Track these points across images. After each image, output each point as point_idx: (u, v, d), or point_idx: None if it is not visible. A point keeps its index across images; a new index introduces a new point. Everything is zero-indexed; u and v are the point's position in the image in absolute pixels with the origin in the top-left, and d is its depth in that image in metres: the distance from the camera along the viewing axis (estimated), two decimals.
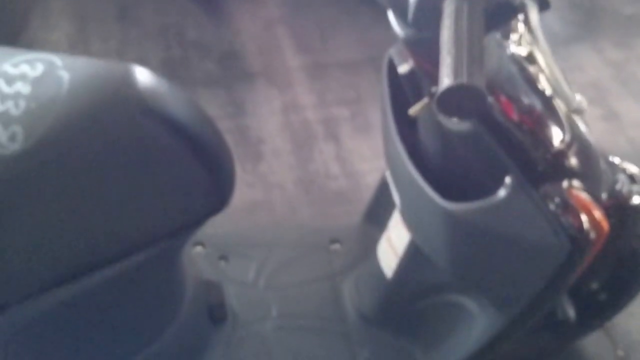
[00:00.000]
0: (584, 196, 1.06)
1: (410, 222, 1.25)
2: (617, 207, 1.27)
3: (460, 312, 1.28)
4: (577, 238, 1.02)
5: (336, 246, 1.59)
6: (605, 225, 1.07)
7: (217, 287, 1.37)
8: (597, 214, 1.05)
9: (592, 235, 1.05)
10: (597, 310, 1.62)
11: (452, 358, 1.28)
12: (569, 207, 1.03)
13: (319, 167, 2.28)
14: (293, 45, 2.73)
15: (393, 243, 1.36)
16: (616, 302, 1.60)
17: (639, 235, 1.40)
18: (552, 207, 1.02)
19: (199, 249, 1.51)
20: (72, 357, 1.08)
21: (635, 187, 1.33)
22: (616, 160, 1.35)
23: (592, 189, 1.10)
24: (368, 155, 2.33)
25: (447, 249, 1.16)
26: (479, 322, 1.22)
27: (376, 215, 1.58)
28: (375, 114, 2.51)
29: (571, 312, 1.51)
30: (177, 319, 1.21)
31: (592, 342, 1.76)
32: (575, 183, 1.06)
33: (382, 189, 1.56)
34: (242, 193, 2.22)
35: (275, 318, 1.41)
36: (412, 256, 1.30)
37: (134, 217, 1.00)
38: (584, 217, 1.03)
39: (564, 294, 1.48)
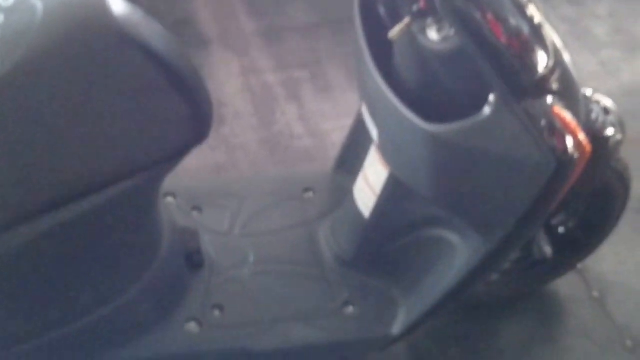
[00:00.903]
0: (568, 116, 1.07)
1: (389, 154, 1.24)
2: (592, 137, 1.29)
3: (440, 247, 1.28)
4: (562, 156, 1.02)
5: (309, 194, 1.57)
6: (588, 146, 1.08)
7: (193, 233, 1.33)
8: (581, 135, 1.06)
9: (576, 155, 1.06)
10: (572, 249, 1.65)
11: (433, 295, 1.28)
12: (554, 126, 1.03)
13: (283, 128, 2.24)
14: (247, 11, 2.68)
15: (370, 181, 1.35)
16: (591, 239, 1.63)
17: (612, 168, 1.43)
18: (536, 125, 1.01)
19: (170, 199, 1.46)
20: (48, 295, 1.03)
21: (609, 118, 1.36)
22: (589, 91, 1.38)
23: (575, 112, 1.11)
24: (331, 114, 2.31)
25: (430, 176, 1.15)
26: (460, 254, 1.22)
27: (349, 162, 1.57)
28: (335, 75, 2.50)
29: (548, 250, 1.53)
30: (155, 263, 1.16)
31: (567, 284, 1.78)
32: (559, 103, 1.07)
33: (354, 135, 1.55)
34: (206, 156, 2.17)
35: (252, 264, 1.38)
36: (391, 192, 1.29)
37: (113, 145, 0.95)
38: (568, 137, 1.04)
39: (541, 228, 1.50)
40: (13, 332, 1.03)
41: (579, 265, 1.77)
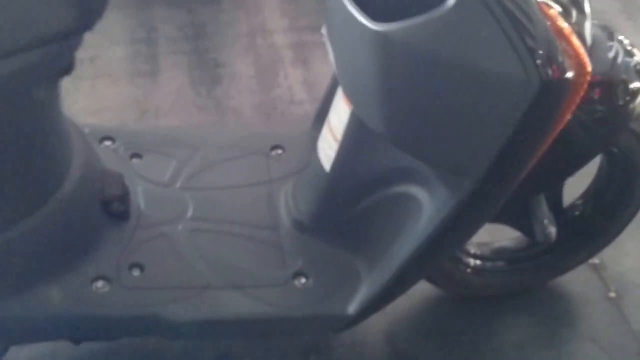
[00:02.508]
0: (564, 25, 0.81)
1: (345, 81, 1.00)
2: (606, 80, 1.02)
3: (406, 206, 1.03)
4: (550, 71, 0.76)
5: (278, 152, 1.34)
6: (587, 65, 0.81)
7: (116, 177, 1.13)
8: (578, 46, 0.80)
9: (570, 74, 0.79)
10: (586, 236, 1.38)
11: (395, 263, 1.04)
12: (542, 31, 0.77)
13: (283, 93, 2.03)
14: None
15: (332, 126, 1.11)
16: (607, 225, 1.35)
17: (632, 130, 1.15)
18: (518, 26, 0.75)
19: (107, 143, 1.27)
20: None
21: (633, 62, 1.08)
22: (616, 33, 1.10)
23: (577, 27, 0.85)
24: None
25: (385, 103, 0.91)
26: (426, 212, 0.97)
27: (325, 117, 1.34)
28: None
29: (552, 232, 1.26)
30: (60, 193, 0.96)
31: (581, 282, 1.51)
32: (556, 8, 0.81)
33: (332, 89, 1.32)
34: (191, 116, 1.99)
35: (189, 220, 1.16)
36: (352, 137, 1.05)
37: None
38: (560, 45, 0.78)
39: (544, 204, 1.24)
40: None
41: (596, 261, 1.50)
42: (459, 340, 1.38)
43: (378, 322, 1.40)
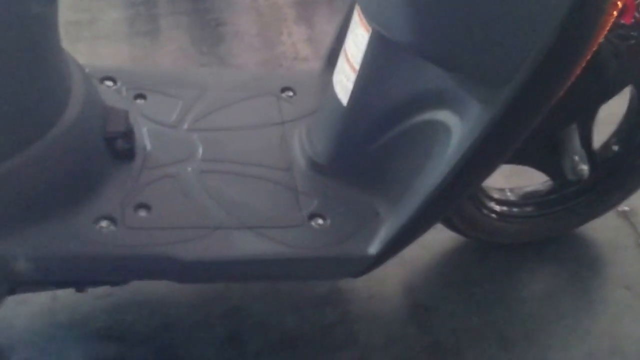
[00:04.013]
0: None
1: (369, 6, 0.93)
2: None
3: (431, 135, 0.95)
4: None
5: (288, 94, 1.28)
6: None
7: (120, 114, 1.05)
8: None
9: None
10: (616, 177, 1.31)
11: (420, 195, 0.96)
12: None
13: (287, 50, 1.96)
14: None
15: (350, 56, 1.04)
16: (638, 163, 1.29)
17: None
18: None
19: (109, 84, 1.19)
20: None
21: None
22: None
23: None
24: None
25: (418, 9, 0.83)
26: (455, 134, 0.89)
27: (337, 58, 1.27)
28: None
29: (584, 170, 1.19)
30: (59, 126, 0.88)
31: (609, 228, 1.44)
32: None
33: (343, 26, 1.25)
34: None
35: (199, 160, 1.09)
36: (372, 63, 0.98)
37: None
38: None
39: (576, 140, 1.17)
40: None
41: (626, 208, 1.43)
42: (481, 290, 1.31)
43: (395, 273, 1.34)
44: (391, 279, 1.31)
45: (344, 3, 2.11)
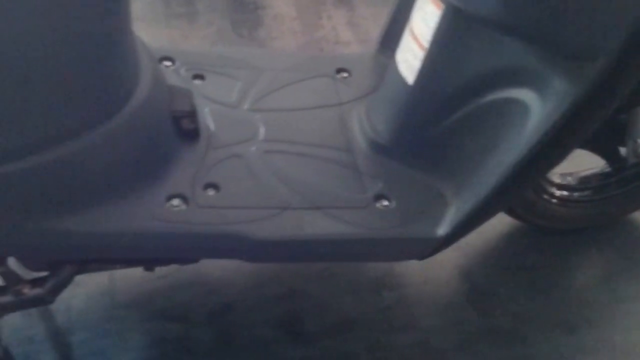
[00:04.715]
0: None
1: None
2: None
3: (506, 114, 0.93)
4: None
5: (344, 75, 1.26)
6: None
7: (184, 93, 1.04)
8: None
9: None
10: None
11: (497, 176, 0.95)
12: None
13: (328, 33, 1.94)
14: None
15: (418, 34, 1.03)
16: None
17: None
18: None
19: (167, 64, 1.18)
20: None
21: None
22: None
23: None
24: None
25: None
26: (537, 113, 0.88)
27: (394, 39, 1.25)
28: None
29: None
30: (131, 104, 0.88)
31: None
32: None
33: (401, 7, 1.23)
34: None
35: (262, 141, 1.09)
36: (444, 39, 0.96)
37: None
38: None
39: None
40: None
41: None
42: (539, 274, 1.30)
43: (450, 257, 1.33)
44: (446, 263, 1.30)
45: None
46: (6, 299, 0.93)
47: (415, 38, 1.03)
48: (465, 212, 0.99)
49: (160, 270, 1.21)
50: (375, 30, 1.99)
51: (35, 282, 0.95)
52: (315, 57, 1.30)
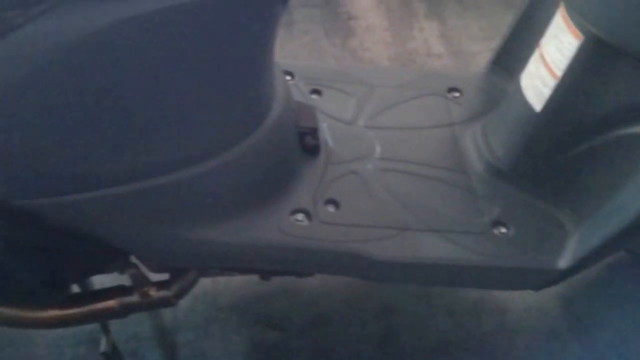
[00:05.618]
0: None
1: (587, 8, 0.90)
2: None
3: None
4: None
5: (455, 94, 1.25)
6: None
7: (309, 110, 1.06)
8: None
9: None
10: None
11: (629, 212, 0.93)
12: None
13: (420, 46, 1.93)
14: None
15: (551, 62, 1.01)
16: None
17: None
18: None
19: (287, 78, 1.20)
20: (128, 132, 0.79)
21: None
22: None
23: None
24: (478, 35, 1.96)
25: None
26: None
27: (508, 59, 1.23)
28: None
29: None
30: (268, 120, 0.90)
31: None
32: None
33: (517, 27, 1.21)
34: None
35: (378, 159, 1.09)
36: (581, 70, 0.95)
37: None
38: None
39: None
40: (74, 176, 0.80)
41: None
42: None
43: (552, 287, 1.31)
44: (547, 291, 1.27)
45: (476, 0, 2.08)
46: (133, 299, 0.95)
47: (546, 65, 1.01)
48: (590, 247, 0.97)
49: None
50: (466, 42, 1.98)
51: (160, 285, 0.98)
52: (426, 74, 1.29)
